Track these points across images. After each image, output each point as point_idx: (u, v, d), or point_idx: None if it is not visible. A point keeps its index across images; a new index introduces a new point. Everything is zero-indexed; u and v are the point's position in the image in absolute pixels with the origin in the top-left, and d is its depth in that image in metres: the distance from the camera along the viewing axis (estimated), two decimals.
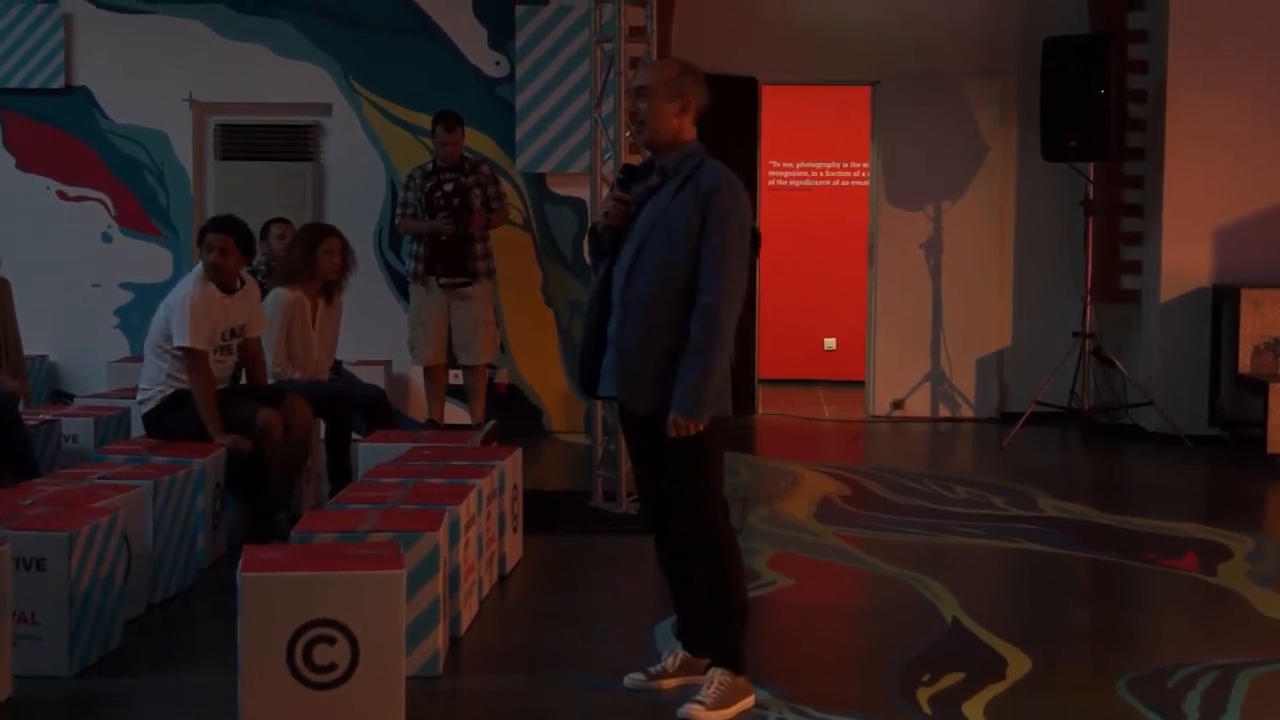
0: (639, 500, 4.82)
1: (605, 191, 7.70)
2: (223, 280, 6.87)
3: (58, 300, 10.17)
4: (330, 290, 7.82)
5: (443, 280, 9.10)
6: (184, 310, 6.73)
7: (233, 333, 6.93)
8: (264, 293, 7.75)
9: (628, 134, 7.58)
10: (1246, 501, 8.30)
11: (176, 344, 6.73)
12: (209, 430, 6.69)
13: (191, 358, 6.72)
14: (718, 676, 4.55)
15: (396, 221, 9.44)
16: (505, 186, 9.57)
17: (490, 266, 9.21)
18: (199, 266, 6.91)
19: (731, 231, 4.45)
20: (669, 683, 4.76)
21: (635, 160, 4.74)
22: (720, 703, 4.50)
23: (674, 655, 4.80)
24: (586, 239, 4.69)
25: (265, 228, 8.91)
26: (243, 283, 7.01)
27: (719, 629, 4.62)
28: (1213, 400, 9.89)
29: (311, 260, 7.68)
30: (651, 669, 4.80)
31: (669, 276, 4.46)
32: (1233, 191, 9.84)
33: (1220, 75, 9.78)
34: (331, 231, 7.89)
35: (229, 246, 6.85)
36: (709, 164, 4.56)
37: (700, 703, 4.49)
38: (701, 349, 4.43)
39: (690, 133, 4.60)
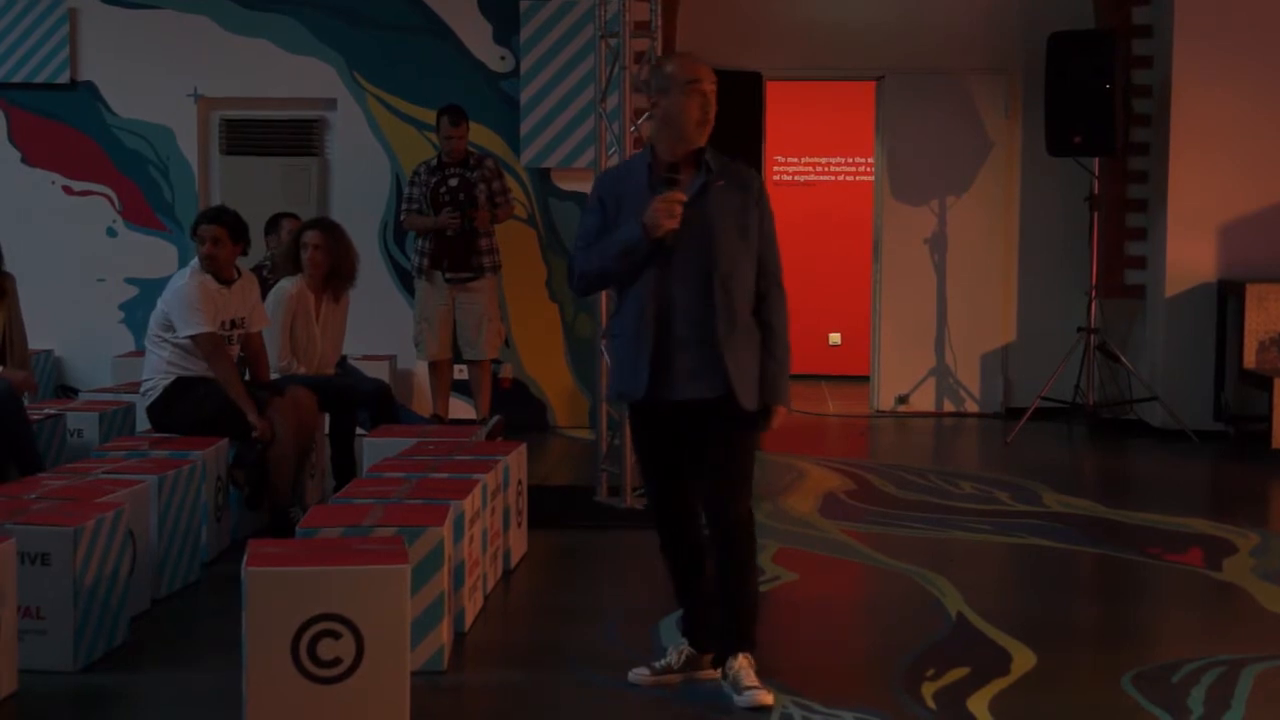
0: (659, 498, 4.73)
1: None
2: (217, 271, 6.88)
3: (63, 295, 10.17)
4: (336, 287, 7.80)
5: (448, 275, 9.10)
6: (182, 302, 6.74)
7: (232, 324, 6.94)
8: (270, 287, 7.78)
9: (632, 129, 7.59)
10: (1251, 497, 8.29)
11: (185, 335, 6.74)
12: (243, 409, 6.73)
13: (205, 344, 6.74)
14: (747, 661, 4.61)
15: (401, 218, 9.44)
16: (510, 180, 9.57)
17: (495, 261, 9.21)
18: (194, 260, 6.93)
19: (773, 222, 4.66)
20: (673, 678, 4.76)
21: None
22: (763, 684, 4.57)
23: (679, 651, 4.81)
24: (629, 245, 4.52)
25: (275, 222, 8.90)
26: (239, 273, 7.01)
27: (749, 612, 4.67)
28: (1217, 395, 9.88)
29: (296, 254, 7.69)
30: (656, 664, 4.80)
31: (748, 272, 4.56)
32: (1237, 187, 9.83)
33: (1225, 70, 9.76)
34: (314, 225, 7.84)
35: (221, 237, 6.87)
36: (731, 160, 4.67)
37: (759, 688, 4.54)
38: (783, 340, 4.61)
39: None
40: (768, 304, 4.62)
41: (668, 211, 4.47)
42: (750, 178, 4.64)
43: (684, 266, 4.52)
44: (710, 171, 4.58)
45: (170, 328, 6.80)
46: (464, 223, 9.02)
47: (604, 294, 7.71)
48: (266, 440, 6.72)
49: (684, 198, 4.50)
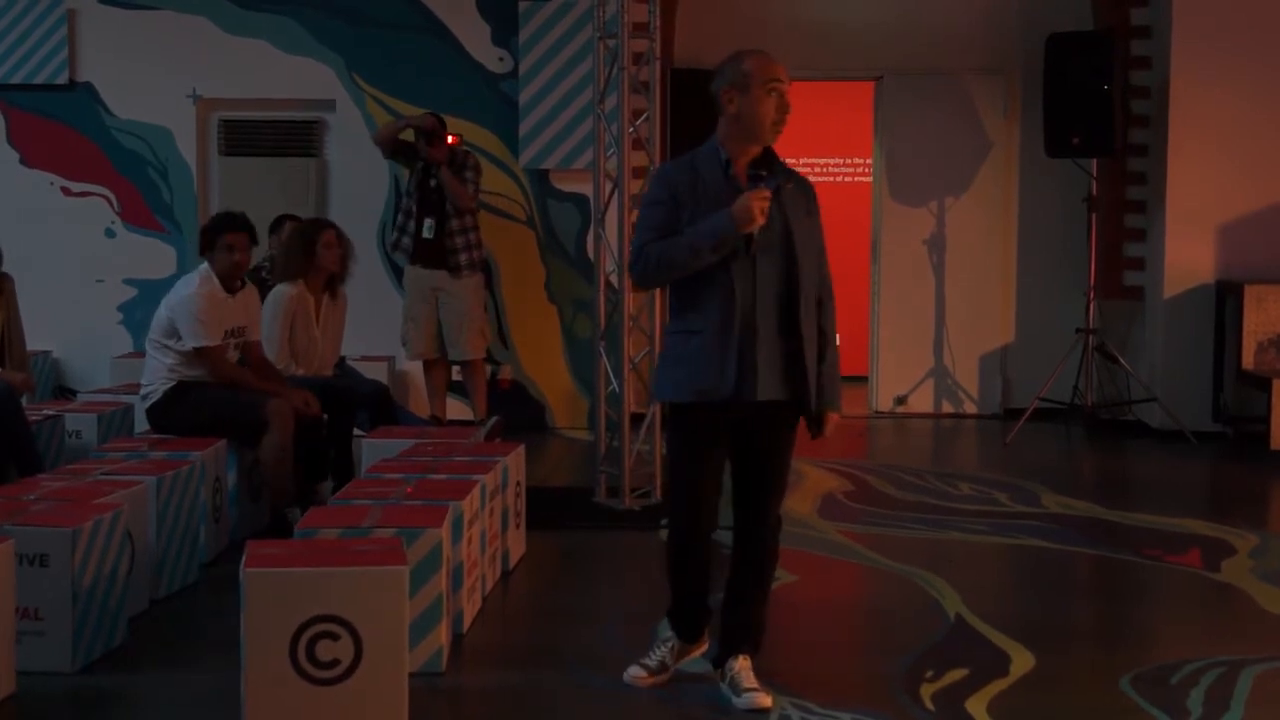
0: (697, 504, 4.63)
1: (609, 187, 7.72)
2: (237, 278, 6.90)
3: (61, 296, 10.16)
4: (333, 284, 7.84)
5: (425, 270, 9.11)
6: (190, 313, 6.72)
7: (233, 333, 6.93)
8: (269, 289, 7.79)
9: (630, 130, 7.58)
10: (1250, 497, 8.29)
11: (190, 345, 6.74)
12: (277, 390, 6.84)
13: (209, 356, 6.75)
14: (747, 663, 4.62)
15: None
16: (508, 183, 9.56)
17: (473, 259, 9.15)
18: (203, 266, 6.89)
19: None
20: (666, 676, 4.77)
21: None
22: (762, 685, 4.58)
23: (670, 647, 4.81)
24: (722, 237, 4.42)
25: (279, 223, 8.89)
26: (243, 284, 7.01)
27: (762, 616, 4.70)
28: (1216, 396, 9.88)
29: (312, 256, 7.70)
30: (651, 664, 4.80)
31: (814, 276, 4.58)
32: (1236, 187, 9.83)
33: (1223, 71, 9.76)
34: (327, 225, 7.92)
35: (247, 244, 6.91)
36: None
37: (759, 690, 4.54)
38: (834, 346, 4.63)
39: None
40: (824, 311, 4.63)
41: (762, 208, 4.43)
42: (809, 184, 4.67)
43: (767, 266, 4.50)
44: (779, 173, 4.59)
45: (173, 335, 6.78)
46: (424, 139, 9.07)
47: (624, 293, 7.73)
48: (311, 416, 6.87)
49: (770, 195, 4.47)
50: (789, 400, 4.57)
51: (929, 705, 4.60)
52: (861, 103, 11.50)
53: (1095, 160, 10.17)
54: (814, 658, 5.19)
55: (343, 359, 8.44)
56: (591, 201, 8.45)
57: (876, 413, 11.05)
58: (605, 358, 7.71)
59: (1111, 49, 9.83)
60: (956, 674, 4.89)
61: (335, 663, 4.17)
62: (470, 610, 5.46)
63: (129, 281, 10.36)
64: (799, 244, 4.52)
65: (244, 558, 4.29)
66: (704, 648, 4.84)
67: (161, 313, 6.88)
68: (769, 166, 4.59)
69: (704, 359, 4.51)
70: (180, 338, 6.77)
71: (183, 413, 6.79)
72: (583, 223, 10.08)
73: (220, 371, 6.81)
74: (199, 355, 6.76)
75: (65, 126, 10.34)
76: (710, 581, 4.76)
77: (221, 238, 6.85)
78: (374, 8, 10.19)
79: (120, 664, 4.98)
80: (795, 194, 4.58)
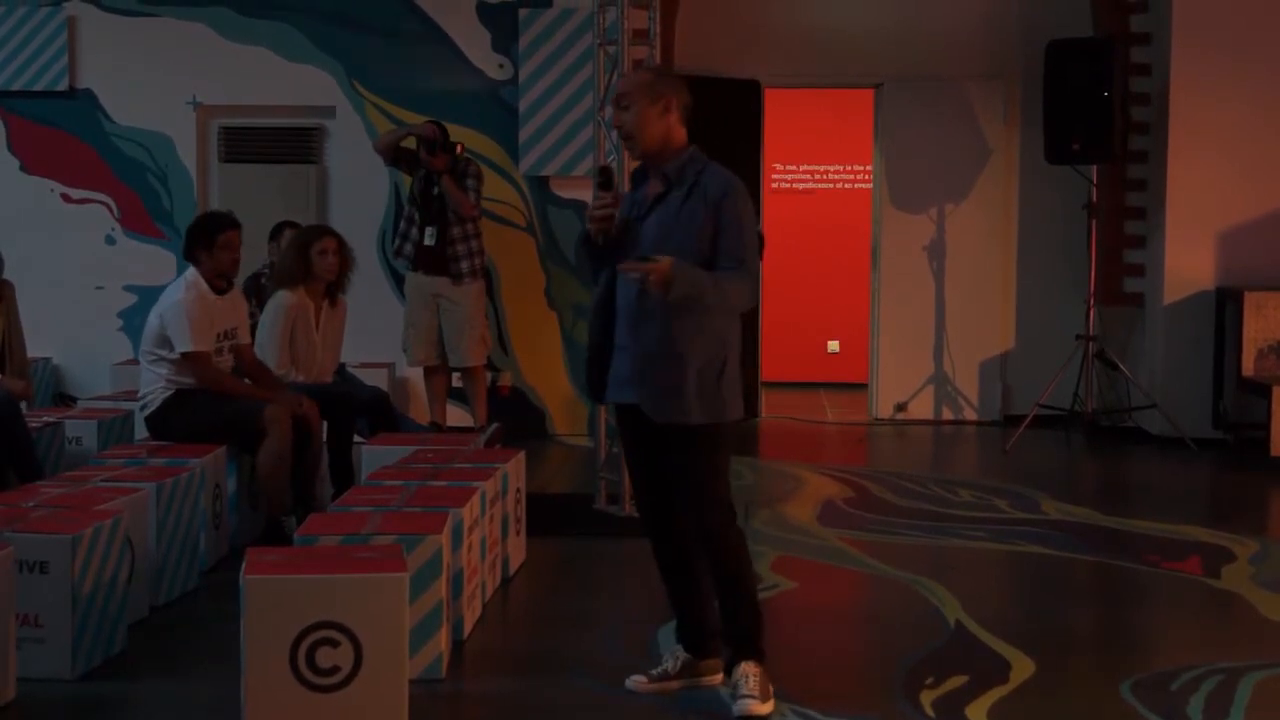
0: (639, 501, 4.84)
1: None
2: (228, 277, 6.89)
3: (61, 302, 10.17)
4: (333, 291, 7.84)
5: (426, 277, 9.11)
6: (181, 317, 6.70)
7: (226, 335, 6.93)
8: (269, 295, 7.79)
9: None
10: (1250, 504, 8.29)
11: (180, 350, 6.73)
12: (272, 396, 6.81)
13: (197, 362, 6.73)
14: (750, 669, 4.58)
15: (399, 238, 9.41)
16: (508, 190, 9.55)
17: (474, 266, 9.15)
18: (189, 271, 6.88)
19: (748, 233, 4.53)
20: (671, 685, 4.77)
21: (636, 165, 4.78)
22: (765, 693, 4.54)
23: (675, 658, 4.81)
24: (580, 247, 4.70)
25: (279, 230, 8.90)
26: (229, 285, 7.01)
27: (745, 621, 4.64)
28: (1216, 403, 9.88)
29: (307, 262, 7.68)
30: (653, 671, 4.81)
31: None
32: (1235, 194, 9.84)
33: (1223, 78, 9.77)
34: (326, 232, 7.90)
35: (240, 241, 6.91)
36: (712, 168, 4.60)
37: (753, 697, 4.51)
38: (724, 284, 4.44)
39: (682, 135, 4.64)
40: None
41: (592, 215, 4.59)
42: (723, 192, 4.51)
43: (627, 275, 4.55)
44: (669, 181, 4.58)
45: (166, 343, 6.76)
46: (437, 142, 9.05)
47: None
48: (308, 422, 6.85)
49: (609, 199, 4.57)
50: (639, 403, 4.56)
51: (929, 712, 4.59)
52: (861, 109, 11.51)
53: (1095, 166, 10.17)
54: (814, 664, 5.19)
55: (342, 366, 8.44)
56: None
57: (877, 419, 11.05)
58: None
59: (1111, 55, 9.83)
60: (957, 680, 4.89)
61: (335, 669, 4.17)
62: (470, 617, 5.46)
63: (129, 288, 10.36)
64: (657, 251, 4.44)
65: (244, 564, 4.29)
66: (718, 677, 4.80)
67: (153, 321, 6.84)
68: (660, 174, 4.59)
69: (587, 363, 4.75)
70: (173, 345, 6.75)
71: (181, 420, 6.78)
72: (582, 229, 10.05)
73: (209, 377, 6.77)
74: (188, 361, 6.73)
75: (65, 133, 10.34)
76: (697, 585, 4.77)
77: (217, 237, 6.85)
78: (374, 14, 10.19)
79: (120, 671, 4.98)
80: (688, 202, 4.52)
